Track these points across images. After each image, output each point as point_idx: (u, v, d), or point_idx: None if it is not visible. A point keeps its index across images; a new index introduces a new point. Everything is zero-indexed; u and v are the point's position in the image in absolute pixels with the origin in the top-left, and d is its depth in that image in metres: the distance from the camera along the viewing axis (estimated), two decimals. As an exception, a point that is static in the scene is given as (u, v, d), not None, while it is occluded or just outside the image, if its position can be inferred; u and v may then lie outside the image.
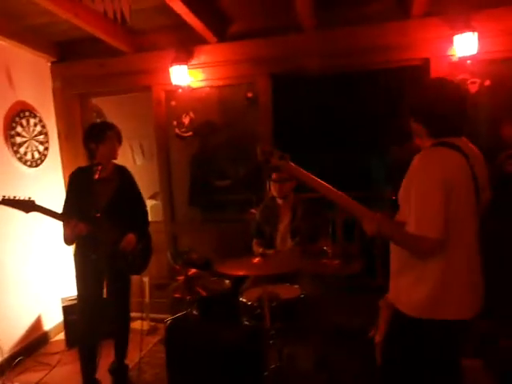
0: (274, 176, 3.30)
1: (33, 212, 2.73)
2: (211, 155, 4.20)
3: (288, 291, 2.88)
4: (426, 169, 1.68)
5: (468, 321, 1.74)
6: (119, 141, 3.12)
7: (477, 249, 1.78)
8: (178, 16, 3.42)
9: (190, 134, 4.18)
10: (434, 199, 1.63)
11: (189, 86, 4.08)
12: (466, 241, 1.73)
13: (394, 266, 1.91)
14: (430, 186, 1.65)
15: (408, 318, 1.75)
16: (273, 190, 3.34)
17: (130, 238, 3.03)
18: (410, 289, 1.76)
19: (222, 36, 3.99)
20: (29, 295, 3.96)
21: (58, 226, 2.89)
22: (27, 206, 2.72)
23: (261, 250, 3.18)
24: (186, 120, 4.17)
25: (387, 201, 1.93)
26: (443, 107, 1.74)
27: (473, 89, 3.49)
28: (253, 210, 3.72)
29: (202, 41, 3.97)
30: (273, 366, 2.72)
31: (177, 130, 4.21)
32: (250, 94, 4.00)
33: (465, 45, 3.34)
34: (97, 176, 2.81)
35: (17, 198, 2.70)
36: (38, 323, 4.08)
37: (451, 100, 1.74)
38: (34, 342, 3.99)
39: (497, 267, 3.32)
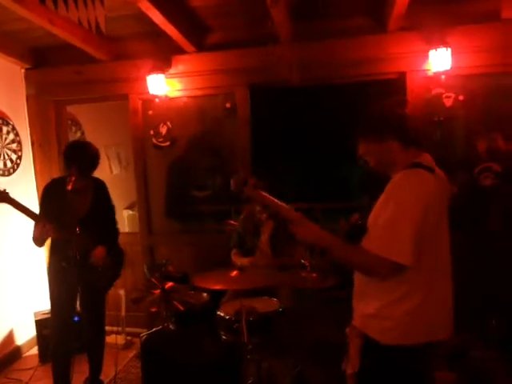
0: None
1: (3, 203, 2.68)
2: (189, 165, 4.16)
3: (266, 305, 2.88)
4: (407, 191, 1.62)
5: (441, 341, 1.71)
6: (83, 175, 2.93)
7: (450, 272, 1.76)
8: (155, 25, 3.39)
9: (168, 143, 4.15)
10: (411, 224, 1.57)
11: (166, 96, 4.04)
12: (441, 264, 1.70)
13: (359, 288, 1.81)
14: (408, 210, 1.59)
15: (382, 346, 1.66)
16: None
17: (99, 251, 2.97)
18: (382, 314, 1.67)
19: (201, 46, 3.98)
20: (1, 309, 3.85)
21: (30, 238, 2.82)
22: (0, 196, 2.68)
23: (245, 260, 3.18)
24: (164, 130, 4.13)
25: (353, 225, 1.89)
26: (406, 118, 1.75)
27: (448, 103, 3.57)
28: (231, 221, 3.71)
29: (180, 50, 3.94)
30: (250, 381, 2.70)
31: (154, 140, 4.17)
32: (228, 105, 3.99)
33: (439, 60, 3.42)
34: (70, 187, 2.75)
35: None
36: (10, 338, 3.97)
37: (405, 113, 1.77)
38: (6, 357, 3.88)
39: (471, 278, 3.41)
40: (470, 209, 3.45)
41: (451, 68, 3.43)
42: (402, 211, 1.59)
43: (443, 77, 3.50)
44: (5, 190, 2.72)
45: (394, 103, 1.81)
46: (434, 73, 3.50)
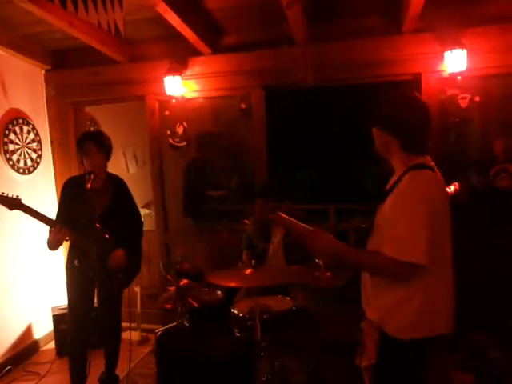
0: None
1: (16, 210, 2.70)
2: (205, 165, 4.21)
3: (280, 303, 2.89)
4: (417, 192, 1.67)
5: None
6: (103, 151, 3.02)
7: (452, 270, 1.81)
8: (172, 27, 3.45)
9: (184, 143, 4.20)
10: (422, 225, 1.63)
11: (182, 97, 4.10)
12: (447, 262, 1.77)
13: (374, 284, 1.84)
14: (419, 211, 1.63)
15: (397, 340, 1.72)
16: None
17: (118, 254, 2.99)
18: (395, 310, 1.74)
19: (216, 48, 4.03)
20: (19, 304, 3.94)
21: (47, 235, 2.87)
22: (12, 203, 2.69)
23: (253, 262, 3.17)
24: (180, 130, 4.19)
25: (357, 229, 1.91)
26: (420, 121, 1.76)
27: (463, 104, 3.55)
28: (246, 221, 3.72)
29: (196, 52, 3.99)
30: (264, 379, 2.70)
31: (170, 140, 4.23)
32: (243, 106, 4.03)
33: (455, 61, 3.41)
34: (88, 185, 2.78)
35: (4, 195, 2.69)
36: (28, 332, 4.05)
37: (424, 114, 1.77)
38: (24, 351, 3.96)
39: (489, 278, 3.39)
40: (485, 210, 3.43)
41: (467, 69, 3.41)
42: (415, 212, 1.64)
43: (459, 78, 3.48)
44: (17, 196, 2.72)
45: (412, 99, 1.81)
46: (450, 74, 3.49)
